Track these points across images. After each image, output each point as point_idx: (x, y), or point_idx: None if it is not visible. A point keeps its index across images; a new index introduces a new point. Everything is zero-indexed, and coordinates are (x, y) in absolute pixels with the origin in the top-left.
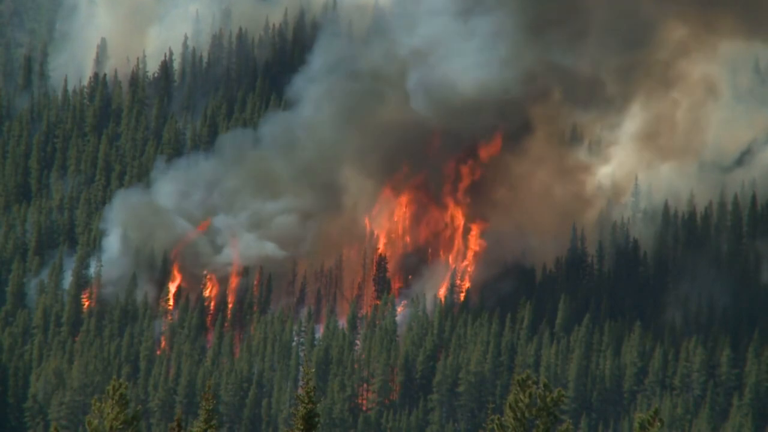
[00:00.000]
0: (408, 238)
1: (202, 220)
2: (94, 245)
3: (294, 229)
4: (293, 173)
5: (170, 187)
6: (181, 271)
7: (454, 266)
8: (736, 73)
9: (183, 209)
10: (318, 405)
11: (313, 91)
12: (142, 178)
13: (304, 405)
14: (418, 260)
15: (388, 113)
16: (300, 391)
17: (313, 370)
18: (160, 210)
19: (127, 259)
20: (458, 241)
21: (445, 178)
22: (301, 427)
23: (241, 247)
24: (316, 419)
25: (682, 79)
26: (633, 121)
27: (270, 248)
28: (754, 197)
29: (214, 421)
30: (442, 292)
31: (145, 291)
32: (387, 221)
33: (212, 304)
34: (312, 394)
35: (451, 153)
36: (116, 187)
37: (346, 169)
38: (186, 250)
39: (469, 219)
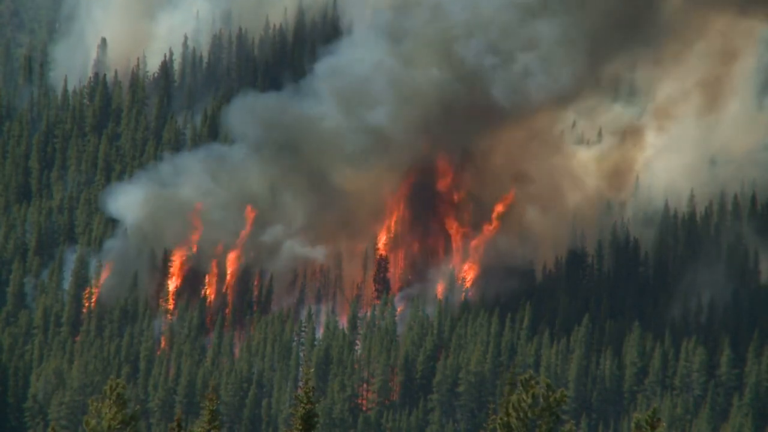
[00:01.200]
0: (409, 238)
1: (212, 216)
2: (95, 245)
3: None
4: (297, 171)
5: (177, 182)
6: (183, 270)
7: (454, 266)
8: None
9: (192, 205)
10: (317, 405)
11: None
12: (146, 171)
13: (303, 405)
14: (418, 260)
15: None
16: (299, 391)
17: (313, 370)
18: (161, 206)
19: (128, 258)
20: (458, 241)
21: (448, 178)
22: (300, 428)
23: (285, 250)
24: (315, 419)
25: (704, 78)
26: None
27: (318, 252)
28: (754, 197)
29: (217, 422)
30: (442, 292)
31: (145, 291)
32: (388, 221)
33: (212, 304)
34: (311, 394)
35: (455, 153)
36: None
37: (347, 167)
38: (190, 248)
39: (470, 219)
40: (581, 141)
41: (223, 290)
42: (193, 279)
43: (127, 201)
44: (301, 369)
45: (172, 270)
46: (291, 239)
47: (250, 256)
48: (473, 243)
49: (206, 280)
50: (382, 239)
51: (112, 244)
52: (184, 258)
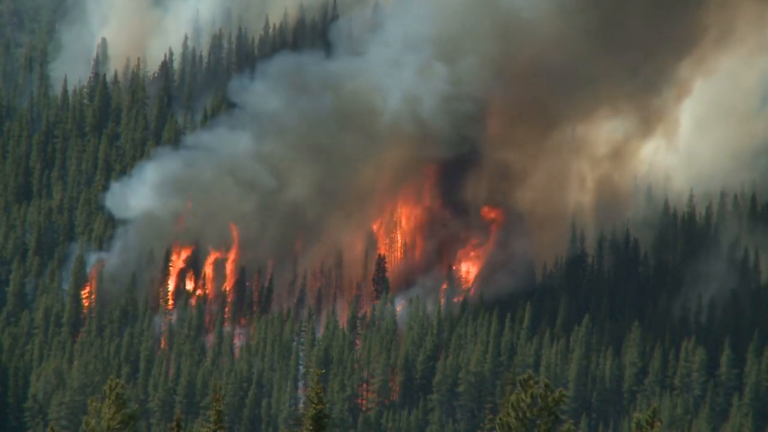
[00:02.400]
0: (408, 238)
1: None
2: (95, 245)
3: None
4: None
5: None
6: (183, 269)
7: (454, 266)
8: None
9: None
10: (327, 406)
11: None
12: (144, 166)
13: (314, 406)
14: (418, 260)
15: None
16: (301, 391)
17: (324, 371)
18: (161, 205)
19: (128, 258)
20: (458, 241)
21: (447, 179)
22: (311, 428)
23: (285, 249)
24: (326, 420)
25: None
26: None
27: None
28: (754, 197)
29: (223, 422)
30: (442, 292)
31: (145, 291)
32: (388, 221)
33: (212, 304)
34: (322, 394)
35: (457, 155)
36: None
37: (348, 167)
38: (189, 247)
39: (471, 219)
40: (582, 139)
41: (223, 290)
42: (193, 278)
43: (127, 200)
44: (301, 368)
45: (172, 269)
46: (290, 238)
47: (249, 255)
48: (473, 243)
49: (206, 279)
50: (382, 238)
51: (111, 244)
52: (183, 257)
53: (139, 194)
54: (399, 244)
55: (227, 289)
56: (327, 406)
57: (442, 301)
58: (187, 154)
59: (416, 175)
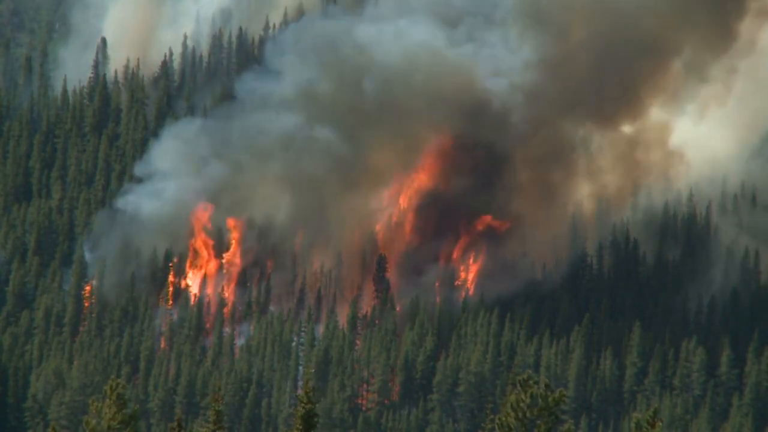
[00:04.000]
0: (409, 238)
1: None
2: (95, 245)
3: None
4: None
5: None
6: (182, 269)
7: (454, 266)
8: None
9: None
10: (318, 405)
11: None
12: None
13: (304, 405)
14: (418, 259)
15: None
16: (299, 391)
17: (313, 370)
18: (161, 205)
19: (128, 258)
20: (459, 240)
21: (447, 178)
22: (300, 427)
23: (284, 249)
24: (315, 419)
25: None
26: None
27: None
28: (754, 197)
29: (222, 422)
30: (442, 292)
31: (145, 290)
32: (388, 220)
33: (212, 303)
34: (311, 394)
35: (455, 154)
36: (116, 188)
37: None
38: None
39: (470, 219)
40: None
41: (223, 289)
42: (193, 277)
43: (128, 199)
44: (301, 369)
45: (172, 269)
46: (289, 238)
47: (249, 255)
48: (473, 243)
49: (207, 278)
50: (383, 238)
51: (112, 244)
52: (184, 256)
53: (140, 194)
54: (400, 244)
55: (227, 288)
56: (316, 405)
57: (442, 300)
58: (186, 151)
59: (419, 176)
